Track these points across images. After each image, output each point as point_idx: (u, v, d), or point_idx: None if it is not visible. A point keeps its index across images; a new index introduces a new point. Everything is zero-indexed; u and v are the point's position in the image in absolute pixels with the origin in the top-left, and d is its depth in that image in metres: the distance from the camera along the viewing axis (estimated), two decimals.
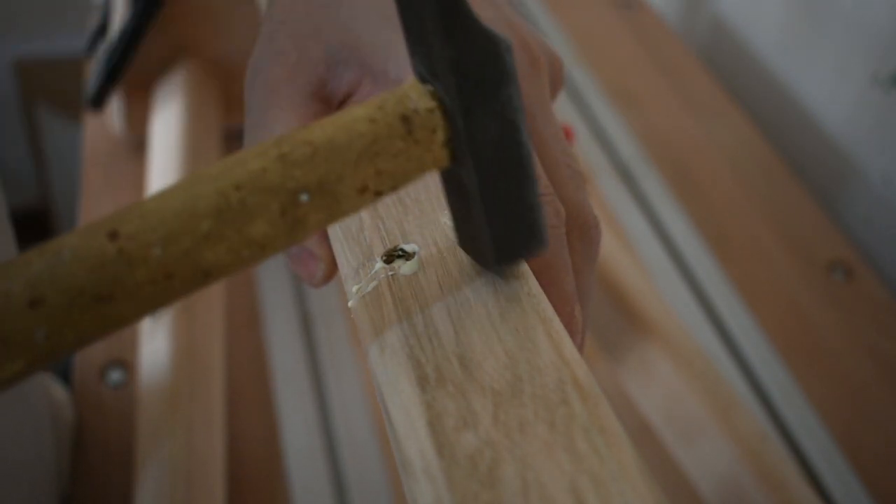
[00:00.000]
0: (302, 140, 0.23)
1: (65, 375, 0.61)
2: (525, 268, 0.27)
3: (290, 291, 0.66)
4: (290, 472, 0.55)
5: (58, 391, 0.55)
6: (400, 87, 0.25)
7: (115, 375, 0.58)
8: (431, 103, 0.24)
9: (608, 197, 0.73)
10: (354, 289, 0.28)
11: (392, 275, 0.27)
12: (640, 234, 0.70)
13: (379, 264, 0.28)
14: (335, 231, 0.30)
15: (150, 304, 0.21)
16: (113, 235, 0.21)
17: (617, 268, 0.55)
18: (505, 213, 0.25)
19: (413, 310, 0.26)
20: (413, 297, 0.26)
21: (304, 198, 0.22)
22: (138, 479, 0.47)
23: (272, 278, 0.66)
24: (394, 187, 0.24)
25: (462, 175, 0.25)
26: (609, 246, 0.56)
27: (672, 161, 0.76)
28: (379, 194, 0.24)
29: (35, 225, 1.45)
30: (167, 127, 0.64)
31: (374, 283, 0.27)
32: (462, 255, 0.28)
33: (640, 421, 0.54)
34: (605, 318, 0.55)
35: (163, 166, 0.62)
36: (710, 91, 0.82)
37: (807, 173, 0.77)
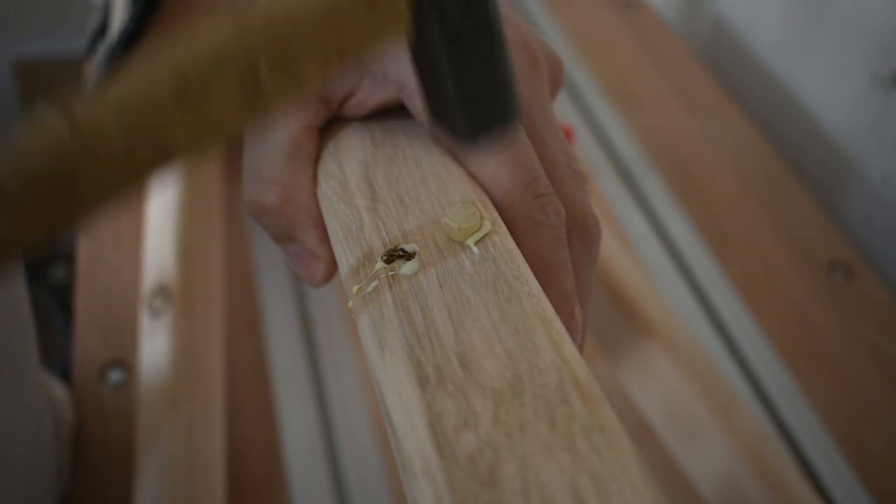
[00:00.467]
0: (259, 11, 0.22)
1: (65, 375, 0.61)
2: (525, 267, 0.27)
3: (290, 291, 0.66)
4: (290, 472, 0.55)
5: (58, 390, 0.55)
6: None
7: (115, 375, 0.58)
8: None
9: (608, 197, 0.73)
10: (355, 289, 0.28)
11: (392, 275, 0.27)
12: (640, 234, 0.70)
13: (379, 264, 0.28)
14: (335, 231, 0.30)
15: (114, 185, 0.21)
16: (71, 119, 0.20)
17: (617, 268, 0.55)
18: (476, 81, 0.24)
19: (413, 310, 0.26)
20: (413, 297, 0.26)
21: (262, 68, 0.22)
22: (138, 478, 0.47)
23: (272, 278, 0.66)
24: (357, 52, 0.23)
25: (429, 41, 0.24)
26: (609, 246, 0.56)
27: (672, 161, 0.76)
28: (342, 62, 0.23)
29: None
30: None
31: (374, 284, 0.27)
32: (462, 255, 0.28)
33: (640, 421, 0.54)
34: (605, 318, 0.54)
35: None
36: (710, 91, 0.82)
37: (807, 173, 0.77)
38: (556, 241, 0.29)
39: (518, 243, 0.28)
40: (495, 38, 0.24)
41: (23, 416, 0.45)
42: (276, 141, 0.31)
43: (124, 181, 0.21)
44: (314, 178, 0.32)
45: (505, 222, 0.29)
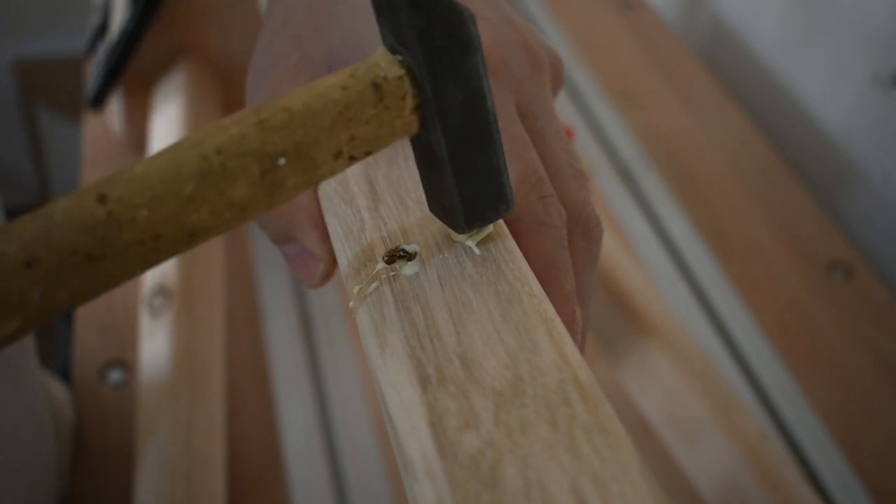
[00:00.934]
0: (280, 107, 0.24)
1: (65, 375, 0.61)
2: (526, 267, 0.27)
3: (290, 291, 0.66)
4: (290, 472, 0.55)
5: (58, 390, 0.55)
6: (370, 57, 0.26)
7: (115, 375, 0.58)
8: (400, 71, 0.25)
9: (608, 197, 0.73)
10: (356, 289, 0.28)
11: (393, 275, 0.27)
12: (640, 234, 0.70)
13: (380, 265, 0.28)
14: (336, 231, 0.30)
15: (139, 263, 0.23)
16: (102, 198, 0.22)
17: (617, 268, 0.55)
18: (472, 176, 0.26)
19: (414, 310, 0.26)
20: (414, 298, 0.26)
21: (282, 162, 0.24)
22: (138, 478, 0.47)
23: (272, 278, 0.66)
24: (367, 152, 0.25)
25: (431, 140, 0.26)
26: (609, 246, 0.56)
27: (672, 161, 0.76)
28: (353, 159, 0.25)
29: None
30: (167, 127, 0.64)
31: (375, 284, 0.27)
32: (463, 255, 0.28)
33: (640, 421, 0.54)
34: (605, 318, 0.55)
35: None
36: (710, 91, 0.82)
37: (807, 173, 0.77)
38: (558, 242, 0.29)
39: (520, 244, 0.28)
40: (492, 137, 0.26)
41: (22, 416, 0.45)
42: None
43: (148, 261, 0.23)
44: None
45: (507, 223, 0.29)
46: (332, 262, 0.32)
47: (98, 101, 0.68)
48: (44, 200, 1.50)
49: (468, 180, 0.26)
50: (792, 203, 0.72)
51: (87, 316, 0.61)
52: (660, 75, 0.83)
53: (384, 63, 0.25)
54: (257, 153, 0.23)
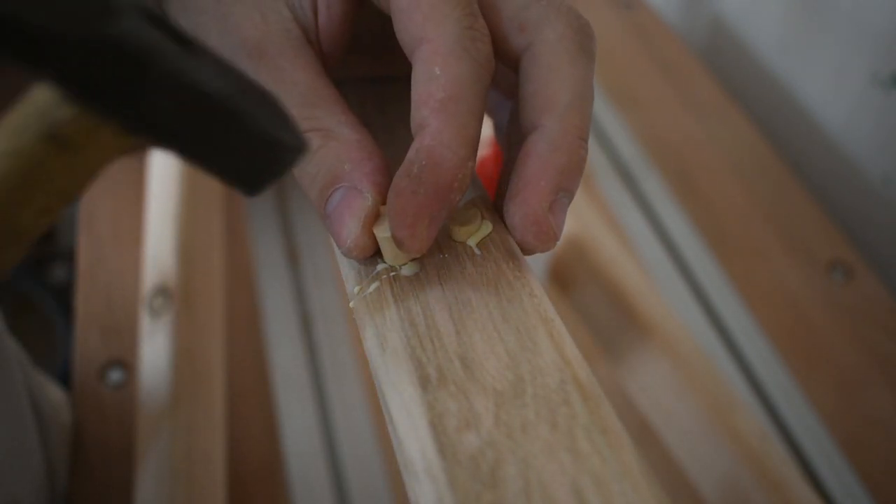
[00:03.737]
0: None
1: (64, 375, 0.61)
2: (527, 268, 0.27)
3: (290, 291, 0.66)
4: (290, 473, 0.55)
5: (55, 393, 0.55)
6: (28, 97, 0.21)
7: (115, 375, 0.58)
8: (73, 109, 0.20)
9: (608, 197, 0.73)
10: (356, 289, 0.28)
11: (394, 275, 0.27)
12: (640, 235, 0.70)
13: (381, 265, 0.28)
14: None
15: None
16: None
17: (617, 268, 0.55)
18: (233, 155, 0.22)
19: (414, 310, 0.26)
20: (414, 298, 0.26)
21: None
22: (138, 478, 0.47)
23: (272, 278, 0.66)
24: (83, 186, 0.22)
25: (159, 144, 0.22)
26: (609, 246, 0.56)
27: (672, 161, 0.76)
28: (70, 199, 0.21)
29: None
30: None
31: (375, 284, 0.27)
32: (463, 255, 0.28)
33: (640, 421, 0.54)
34: (605, 318, 0.55)
35: (163, 166, 0.62)
36: (710, 91, 0.82)
37: (807, 173, 0.77)
38: (477, 78, 0.26)
39: (437, 66, 0.25)
40: (234, 117, 0.21)
41: (2, 417, 0.44)
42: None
43: None
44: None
45: (427, 43, 0.26)
46: (380, 202, 0.27)
47: None
48: None
49: (228, 160, 0.22)
50: (792, 203, 0.72)
51: (87, 316, 0.61)
52: (660, 75, 0.83)
53: (50, 105, 0.20)
54: None
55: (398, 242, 0.26)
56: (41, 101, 0.21)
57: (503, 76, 0.32)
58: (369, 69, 0.34)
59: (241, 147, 0.22)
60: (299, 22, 0.28)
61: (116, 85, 0.20)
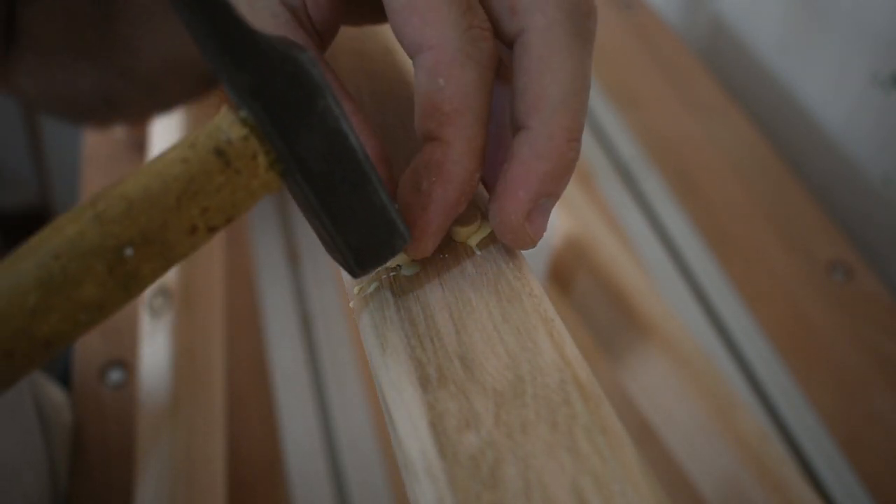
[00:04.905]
0: (117, 195, 0.22)
1: (64, 376, 0.61)
2: (526, 267, 0.27)
3: (290, 291, 0.66)
4: (290, 473, 0.55)
5: (55, 393, 0.55)
6: (212, 120, 0.24)
7: (115, 376, 0.58)
8: (243, 130, 0.23)
9: (608, 197, 0.73)
10: (356, 289, 0.28)
11: (394, 275, 0.27)
12: (640, 235, 0.70)
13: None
14: None
15: None
16: None
17: (617, 268, 0.55)
18: (353, 220, 0.24)
19: (415, 310, 0.26)
20: (415, 298, 0.26)
21: (129, 252, 0.22)
22: (138, 479, 0.47)
23: (272, 278, 0.66)
24: (228, 220, 0.24)
25: (298, 192, 0.24)
26: (609, 246, 0.56)
27: (672, 161, 0.76)
28: (213, 230, 0.23)
29: (35, 225, 1.45)
30: (167, 127, 0.64)
31: (375, 284, 0.27)
32: (463, 255, 0.28)
33: (640, 421, 0.54)
34: (605, 318, 0.55)
35: None
36: (710, 91, 0.82)
37: (807, 173, 0.77)
38: (481, 83, 0.25)
39: (439, 75, 0.25)
40: (366, 176, 0.24)
41: (8, 421, 0.44)
42: None
43: (7, 379, 0.22)
44: None
45: (429, 50, 0.25)
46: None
47: None
48: (44, 200, 1.51)
49: (350, 225, 0.24)
50: (792, 203, 0.72)
51: None
52: (660, 75, 0.83)
53: (225, 124, 0.23)
54: (99, 249, 0.22)
55: (409, 247, 0.26)
56: (218, 120, 0.24)
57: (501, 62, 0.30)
58: (357, 21, 0.33)
59: (364, 214, 0.24)
60: (287, 5, 0.28)
61: (290, 103, 0.23)
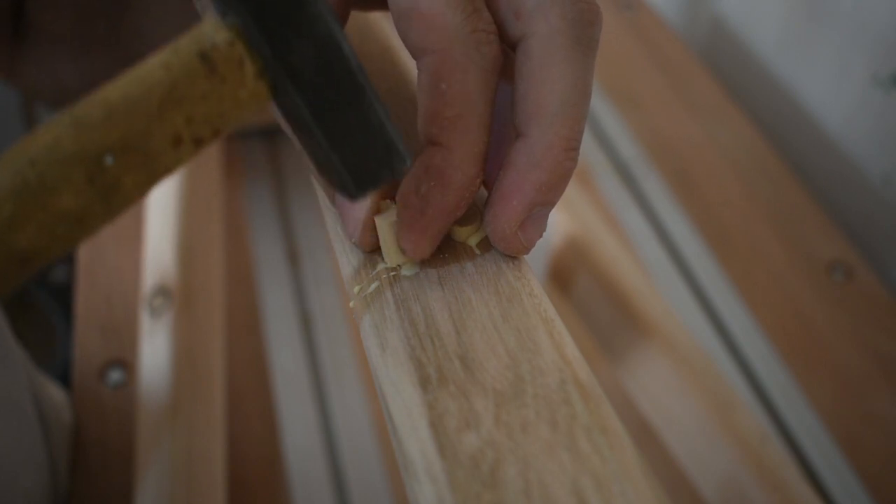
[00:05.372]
0: (96, 101, 0.21)
1: (64, 375, 0.61)
2: (526, 267, 0.27)
3: (290, 291, 0.66)
4: (290, 473, 0.55)
5: (55, 393, 0.55)
6: (196, 26, 0.23)
7: (115, 376, 0.58)
8: (229, 34, 0.22)
9: (608, 197, 0.73)
10: (356, 289, 0.28)
11: (394, 275, 0.27)
12: (640, 234, 0.70)
13: (381, 265, 0.28)
14: (336, 231, 0.30)
15: None
16: None
17: (617, 268, 0.55)
18: (350, 138, 0.23)
19: (415, 310, 0.26)
20: (415, 298, 0.26)
21: (109, 160, 0.21)
22: (138, 479, 0.47)
23: (272, 278, 0.66)
24: (214, 132, 0.22)
25: (290, 105, 0.23)
26: (609, 246, 0.56)
27: (672, 161, 0.76)
28: (199, 142, 0.22)
29: None
30: None
31: (375, 284, 0.27)
32: (463, 255, 0.28)
33: (640, 421, 0.54)
34: (605, 318, 0.55)
35: None
36: (710, 91, 0.82)
37: (807, 173, 0.77)
38: (484, 87, 0.25)
39: (441, 80, 0.25)
40: (360, 88, 0.23)
41: (9, 420, 0.44)
42: None
43: None
44: None
45: (432, 54, 0.25)
46: (379, 197, 0.27)
47: None
48: None
49: (345, 141, 0.23)
50: (792, 203, 0.72)
51: (87, 316, 0.61)
52: (660, 75, 0.83)
53: (210, 29, 0.22)
54: (77, 156, 0.21)
55: (403, 249, 0.27)
56: (203, 26, 0.22)
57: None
58: (365, 6, 0.33)
59: (361, 130, 0.23)
60: None
61: (278, 5, 0.21)
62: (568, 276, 0.58)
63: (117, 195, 0.21)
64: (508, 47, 0.27)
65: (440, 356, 0.24)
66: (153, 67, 0.22)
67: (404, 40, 0.26)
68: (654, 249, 0.69)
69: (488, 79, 0.25)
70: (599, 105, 0.81)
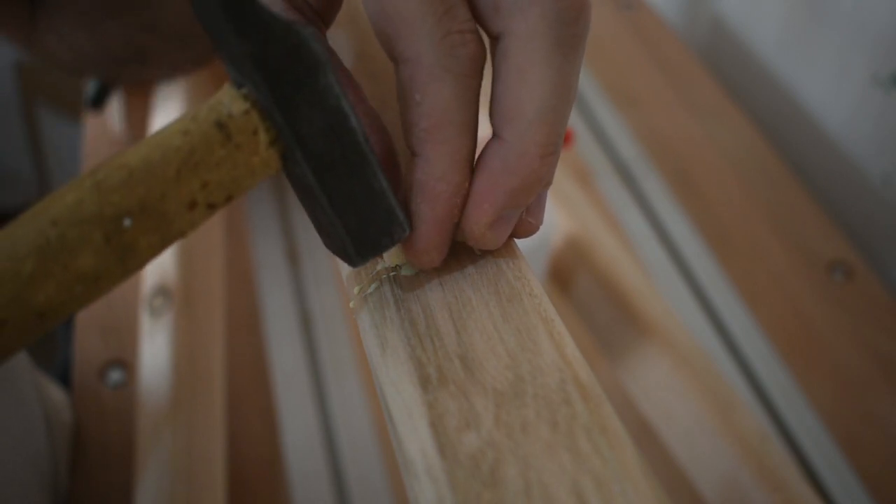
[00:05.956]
0: (117, 164, 0.22)
1: (64, 375, 0.61)
2: (526, 266, 0.27)
3: (290, 291, 0.66)
4: (290, 473, 0.55)
5: (55, 393, 0.55)
6: (214, 95, 0.24)
7: (115, 376, 0.58)
8: (244, 105, 0.23)
9: (608, 197, 0.73)
10: (356, 289, 0.28)
11: (394, 275, 0.27)
12: (640, 234, 0.70)
13: (381, 264, 0.28)
14: None
15: None
16: None
17: (617, 268, 0.55)
18: (352, 204, 0.24)
19: (415, 310, 0.26)
20: (415, 298, 0.26)
21: (127, 223, 0.22)
22: (138, 479, 0.47)
23: (272, 278, 0.66)
24: (227, 197, 0.23)
25: (298, 173, 0.24)
26: (609, 246, 0.56)
27: (672, 161, 0.76)
28: (212, 207, 0.23)
29: None
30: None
31: (375, 284, 0.27)
32: (464, 255, 0.28)
33: (640, 421, 0.54)
34: (605, 318, 0.55)
35: None
36: (710, 91, 0.82)
37: (807, 173, 0.77)
38: (462, 94, 0.24)
39: (417, 92, 0.24)
40: (365, 157, 0.24)
41: (13, 418, 0.44)
42: None
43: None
44: None
45: (405, 65, 0.24)
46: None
47: (98, 101, 0.68)
48: None
49: (349, 209, 0.24)
50: (792, 203, 0.72)
51: (87, 316, 0.61)
52: (660, 75, 0.83)
53: (227, 99, 0.23)
54: (97, 218, 0.21)
55: (412, 262, 0.26)
56: (220, 95, 0.23)
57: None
58: None
59: (364, 198, 0.24)
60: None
61: (291, 76, 0.22)
62: (568, 276, 0.58)
63: (133, 256, 0.22)
64: (492, 40, 0.26)
65: (440, 356, 0.24)
66: (172, 133, 0.23)
67: (381, 46, 0.25)
68: (654, 249, 0.69)
69: (466, 83, 0.24)
70: (599, 105, 0.81)
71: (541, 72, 0.24)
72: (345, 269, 0.29)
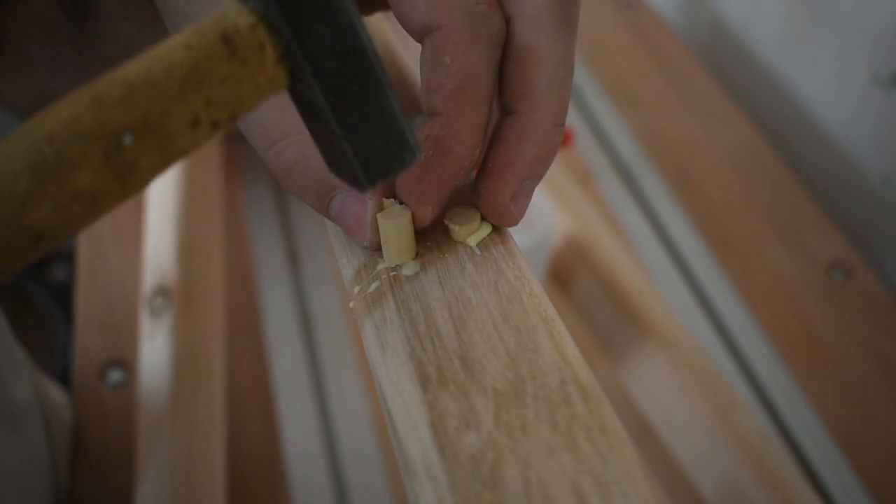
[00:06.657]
0: (117, 79, 0.21)
1: (64, 375, 0.61)
2: (526, 266, 0.27)
3: (290, 291, 0.66)
4: (290, 473, 0.55)
5: (55, 393, 0.55)
6: (218, 9, 0.23)
7: (115, 376, 0.58)
8: (251, 18, 0.22)
9: (608, 197, 0.73)
10: (356, 289, 0.28)
11: (394, 275, 0.27)
12: (640, 235, 0.70)
13: (381, 265, 0.28)
14: (337, 231, 0.30)
15: None
16: None
17: (617, 268, 0.55)
18: (362, 126, 0.23)
19: (415, 310, 0.26)
20: (415, 298, 0.26)
21: (128, 140, 0.21)
22: (138, 479, 0.47)
23: (272, 278, 0.66)
24: (231, 115, 0.22)
25: (306, 92, 0.23)
26: (609, 246, 0.56)
27: (672, 161, 0.76)
28: (215, 125, 0.22)
29: None
30: None
31: (375, 284, 0.27)
32: (463, 255, 0.28)
33: (640, 421, 0.54)
34: (605, 318, 0.55)
35: None
36: (710, 91, 0.82)
37: (807, 173, 0.77)
38: (488, 63, 0.26)
39: (445, 54, 0.25)
40: (377, 78, 0.23)
41: (12, 418, 0.44)
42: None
43: None
44: None
45: (436, 30, 0.25)
46: (380, 197, 0.28)
47: None
48: None
49: (358, 131, 0.23)
50: (792, 203, 0.72)
51: (87, 316, 0.61)
52: (660, 75, 0.83)
53: (233, 12, 0.22)
54: (96, 134, 0.20)
55: (411, 206, 0.27)
56: (226, 9, 0.22)
57: None
58: (365, 10, 0.33)
59: (374, 120, 0.23)
60: None
61: None
62: (568, 276, 0.58)
63: (133, 175, 0.21)
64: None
65: (440, 356, 0.24)
66: (175, 47, 0.21)
67: (407, 23, 0.26)
68: (654, 249, 0.69)
69: (491, 53, 0.26)
70: (599, 105, 0.81)
71: (549, 47, 0.26)
72: (345, 269, 0.29)
